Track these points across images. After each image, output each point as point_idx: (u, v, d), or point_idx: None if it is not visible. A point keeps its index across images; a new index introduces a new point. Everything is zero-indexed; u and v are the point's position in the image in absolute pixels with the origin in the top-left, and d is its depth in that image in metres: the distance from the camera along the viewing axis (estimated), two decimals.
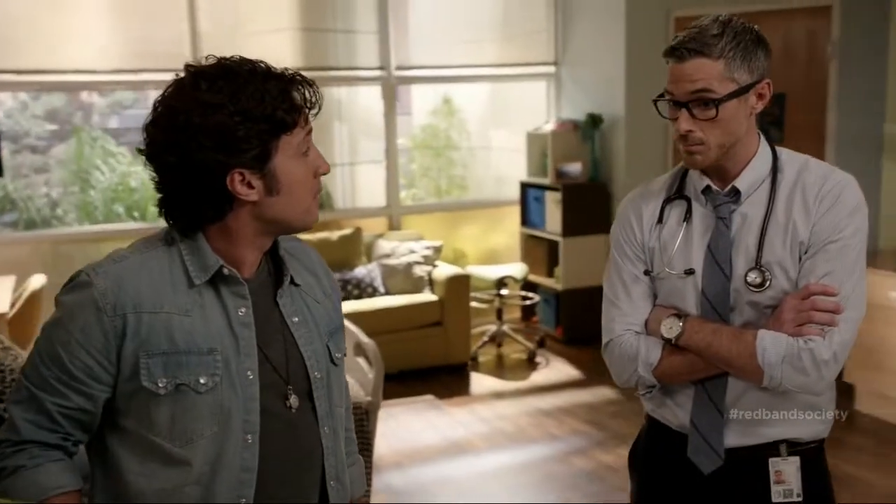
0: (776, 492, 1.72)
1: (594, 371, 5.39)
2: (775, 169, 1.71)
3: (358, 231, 5.78)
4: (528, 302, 6.17)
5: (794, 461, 1.73)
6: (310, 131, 1.39)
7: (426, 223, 6.38)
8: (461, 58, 6.39)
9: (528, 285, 6.15)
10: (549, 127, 6.06)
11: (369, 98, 6.28)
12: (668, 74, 1.67)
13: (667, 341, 1.71)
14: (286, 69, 1.36)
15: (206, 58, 1.37)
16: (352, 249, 5.70)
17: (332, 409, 1.50)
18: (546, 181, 5.97)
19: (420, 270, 5.59)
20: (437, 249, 5.75)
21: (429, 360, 5.39)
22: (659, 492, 1.87)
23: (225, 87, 1.31)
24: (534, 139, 6.22)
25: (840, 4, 5.15)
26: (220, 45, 5.11)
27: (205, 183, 1.33)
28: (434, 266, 5.68)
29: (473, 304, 5.66)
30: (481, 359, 5.73)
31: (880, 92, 5.16)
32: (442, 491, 3.89)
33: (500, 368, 5.69)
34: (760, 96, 1.68)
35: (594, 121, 5.85)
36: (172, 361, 1.33)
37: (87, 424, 1.38)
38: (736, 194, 1.71)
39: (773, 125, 5.46)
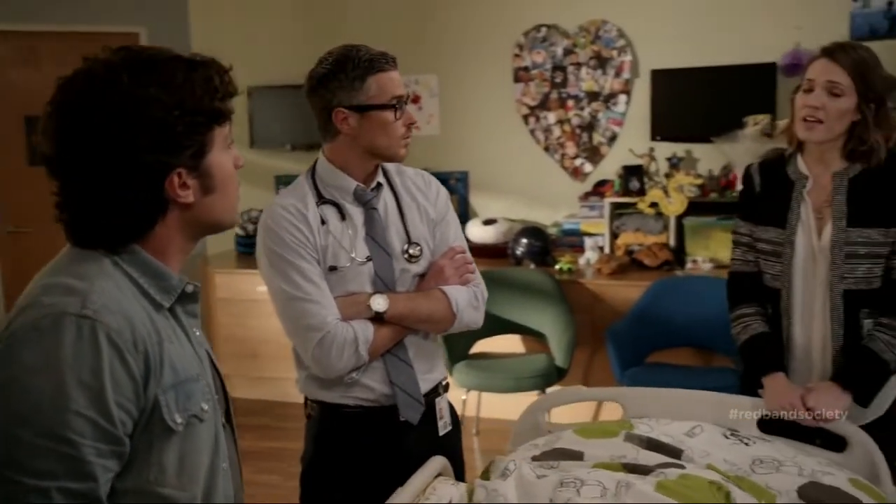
0: (440, 426, 2.12)
1: None
2: (383, 170, 2.09)
3: None
4: None
5: (446, 397, 2.17)
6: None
7: None
8: None
9: None
10: None
11: None
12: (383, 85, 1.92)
13: (376, 317, 1.95)
14: (196, 54, 1.22)
15: (102, 49, 1.16)
16: None
17: None
18: None
19: None
20: None
21: None
22: (349, 465, 2.03)
23: (153, 78, 1.14)
24: None
25: (147, 32, 5.51)
26: None
27: (140, 189, 1.15)
28: None
29: None
30: None
31: None
32: None
33: None
34: None
35: None
36: (182, 392, 1.15)
37: None
38: (379, 188, 2.05)
39: None
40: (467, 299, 2.02)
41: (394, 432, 2.01)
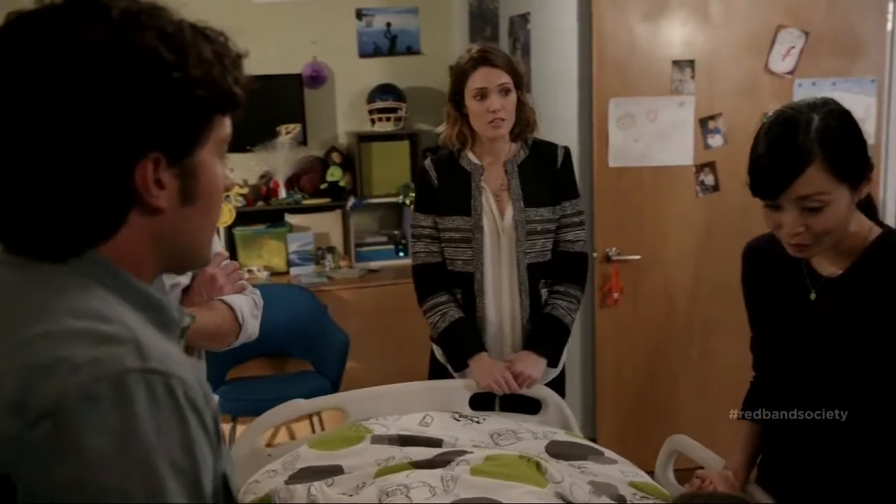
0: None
1: None
2: None
3: None
4: None
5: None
6: None
7: None
8: None
9: None
10: None
11: None
12: None
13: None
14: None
15: None
16: None
17: None
18: None
19: None
20: None
21: None
22: None
23: (152, 24, 0.80)
24: None
25: None
26: None
27: (108, 170, 0.79)
28: None
29: None
30: None
31: None
32: None
33: None
34: None
35: None
36: (227, 457, 0.83)
37: None
38: None
39: None
40: (249, 308, 1.80)
41: None
